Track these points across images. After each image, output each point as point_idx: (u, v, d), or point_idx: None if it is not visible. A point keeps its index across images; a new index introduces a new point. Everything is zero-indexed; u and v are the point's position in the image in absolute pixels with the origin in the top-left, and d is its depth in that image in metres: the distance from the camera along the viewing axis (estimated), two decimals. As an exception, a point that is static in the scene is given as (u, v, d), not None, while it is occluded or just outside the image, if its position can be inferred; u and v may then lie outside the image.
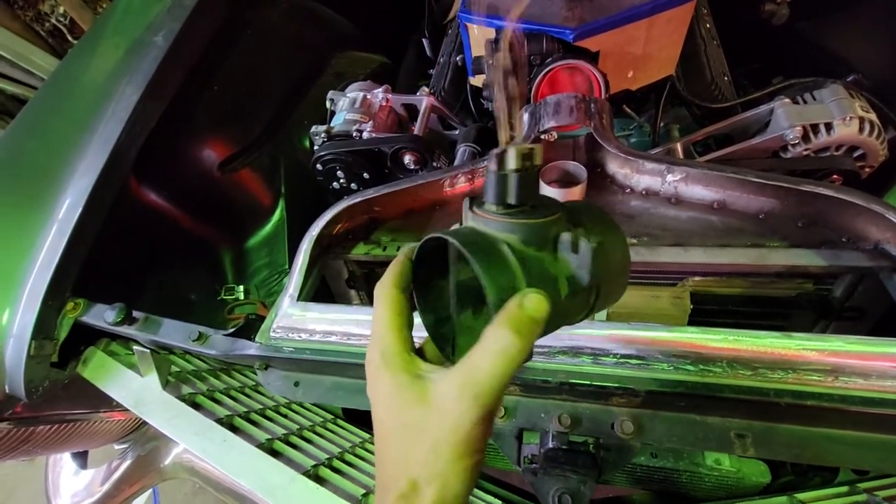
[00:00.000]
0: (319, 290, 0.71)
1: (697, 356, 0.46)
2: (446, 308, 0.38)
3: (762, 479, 0.75)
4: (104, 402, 0.76)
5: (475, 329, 0.35)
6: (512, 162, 0.32)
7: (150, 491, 1.38)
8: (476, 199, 0.35)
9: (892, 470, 0.46)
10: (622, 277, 0.35)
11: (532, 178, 0.33)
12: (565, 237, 0.32)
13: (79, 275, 0.74)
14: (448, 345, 0.37)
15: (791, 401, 0.43)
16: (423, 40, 1.31)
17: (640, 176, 0.65)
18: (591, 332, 0.49)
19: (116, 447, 0.97)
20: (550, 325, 0.32)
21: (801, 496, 0.63)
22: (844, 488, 0.62)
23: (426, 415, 0.30)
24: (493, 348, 0.28)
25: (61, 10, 3.04)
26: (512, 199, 0.32)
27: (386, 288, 0.35)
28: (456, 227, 0.35)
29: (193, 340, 0.63)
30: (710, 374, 0.45)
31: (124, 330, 0.68)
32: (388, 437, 0.32)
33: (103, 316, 0.68)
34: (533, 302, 0.29)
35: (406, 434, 0.30)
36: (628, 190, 0.67)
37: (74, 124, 0.85)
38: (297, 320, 0.58)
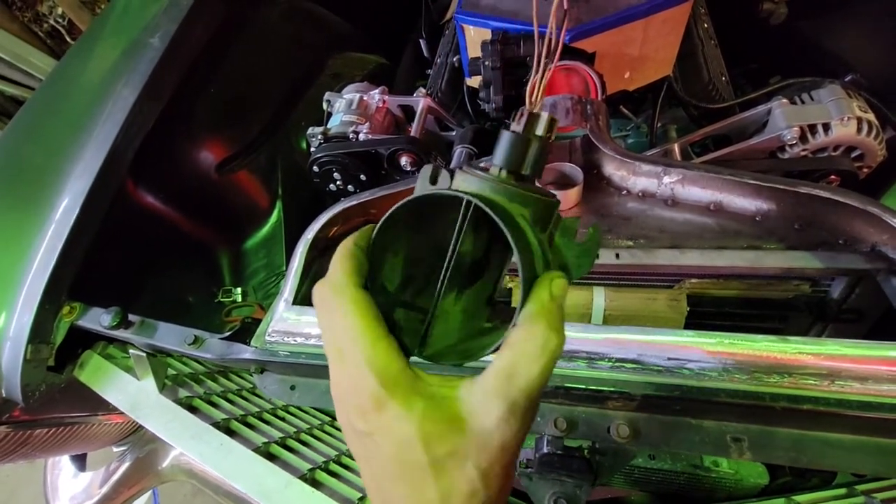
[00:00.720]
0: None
1: (693, 360, 0.45)
2: (395, 288, 0.33)
3: (760, 480, 0.75)
4: (102, 405, 0.75)
5: (451, 315, 0.33)
6: (542, 126, 0.29)
7: (150, 493, 1.38)
8: (472, 164, 0.32)
9: (889, 474, 0.46)
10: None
11: (546, 151, 0.30)
12: (572, 222, 0.30)
13: (75, 278, 0.74)
14: (403, 334, 0.30)
15: (787, 405, 0.43)
16: (420, 41, 1.31)
17: (636, 178, 0.65)
18: (586, 336, 0.49)
19: (115, 449, 0.97)
20: None
21: (799, 498, 0.63)
22: (842, 490, 0.62)
23: (464, 441, 0.25)
24: (536, 348, 0.24)
25: (59, 11, 3.04)
26: (528, 169, 0.29)
27: (344, 288, 0.28)
28: (433, 187, 0.30)
29: (189, 344, 0.63)
30: (706, 377, 0.45)
31: (120, 334, 0.68)
32: (412, 478, 0.25)
33: (99, 320, 0.68)
34: (561, 284, 0.27)
35: (440, 471, 0.25)
36: (625, 192, 0.66)
37: (71, 126, 0.85)
38: (293, 324, 0.58)
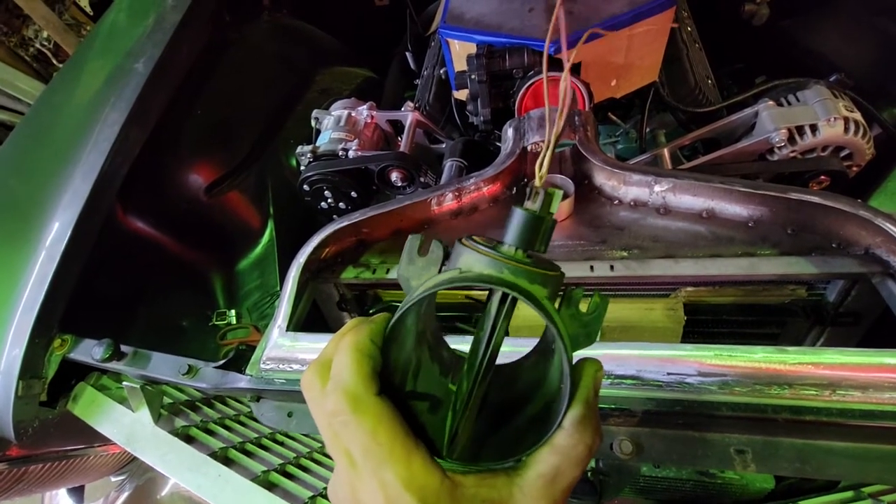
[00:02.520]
0: (311, 315, 0.70)
1: (691, 374, 0.45)
2: (406, 379, 0.31)
3: (766, 485, 0.74)
4: (97, 436, 0.74)
5: (470, 412, 0.30)
6: (557, 204, 0.29)
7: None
8: (474, 238, 0.30)
9: (894, 482, 0.45)
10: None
11: (552, 230, 0.30)
12: (579, 293, 0.30)
13: (66, 309, 0.73)
14: (426, 430, 0.28)
15: (789, 416, 0.43)
16: (407, 53, 1.31)
17: (627, 187, 0.65)
18: (584, 354, 0.49)
19: (112, 479, 0.96)
20: None
21: (805, 503, 0.63)
22: (849, 494, 0.61)
23: None
24: (582, 454, 0.25)
25: (45, 34, 3.03)
26: (541, 246, 0.29)
27: (363, 399, 0.25)
28: (442, 274, 0.29)
29: (183, 374, 0.62)
30: (706, 391, 0.45)
31: (113, 366, 0.67)
32: None
33: (91, 353, 0.67)
34: (601, 379, 0.26)
35: None
36: (616, 201, 0.66)
37: (57, 156, 0.84)
38: (288, 351, 0.57)
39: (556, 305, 0.29)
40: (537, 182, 0.31)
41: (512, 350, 0.48)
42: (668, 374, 0.45)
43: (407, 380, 0.30)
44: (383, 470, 0.24)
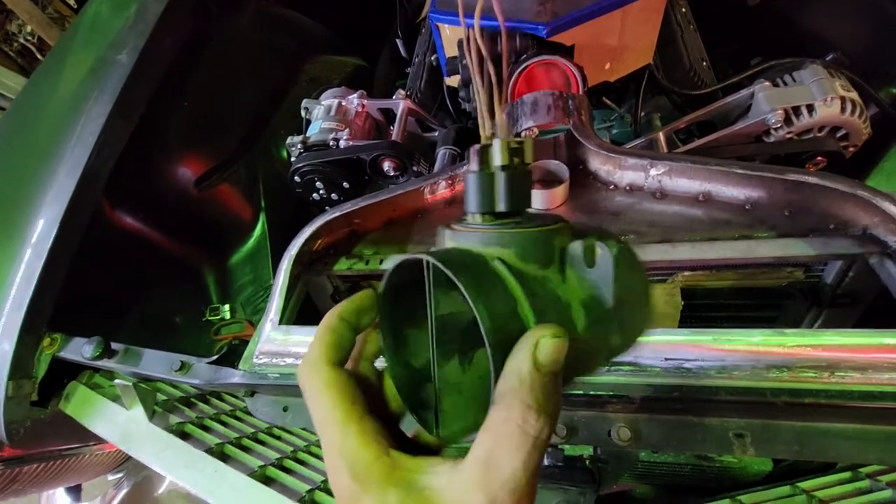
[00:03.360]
0: (305, 308, 0.69)
1: (690, 359, 0.44)
2: (422, 362, 0.29)
3: (764, 467, 0.74)
4: (93, 435, 0.73)
5: (463, 386, 0.28)
6: (498, 157, 0.26)
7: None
8: (453, 222, 0.29)
9: (895, 462, 0.45)
10: (645, 305, 0.27)
11: (523, 177, 0.27)
12: (576, 246, 0.25)
13: (55, 308, 0.71)
14: (429, 412, 0.28)
15: (788, 399, 0.42)
16: (397, 40, 1.28)
17: (623, 171, 0.64)
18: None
19: (110, 478, 0.95)
20: (566, 375, 0.24)
21: (804, 484, 0.63)
22: (847, 474, 0.61)
23: None
24: (513, 434, 0.21)
25: (28, 29, 2.97)
26: (501, 205, 0.26)
27: (316, 367, 0.27)
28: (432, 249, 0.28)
29: (176, 371, 0.61)
30: (705, 376, 0.44)
31: (104, 364, 0.66)
32: None
33: (81, 351, 0.66)
34: (550, 348, 0.22)
35: None
36: (612, 186, 0.65)
37: (40, 152, 0.82)
38: (281, 345, 0.57)
39: (555, 264, 0.25)
40: (483, 138, 0.28)
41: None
42: (666, 359, 0.45)
43: (421, 362, 0.30)
44: (323, 435, 0.25)
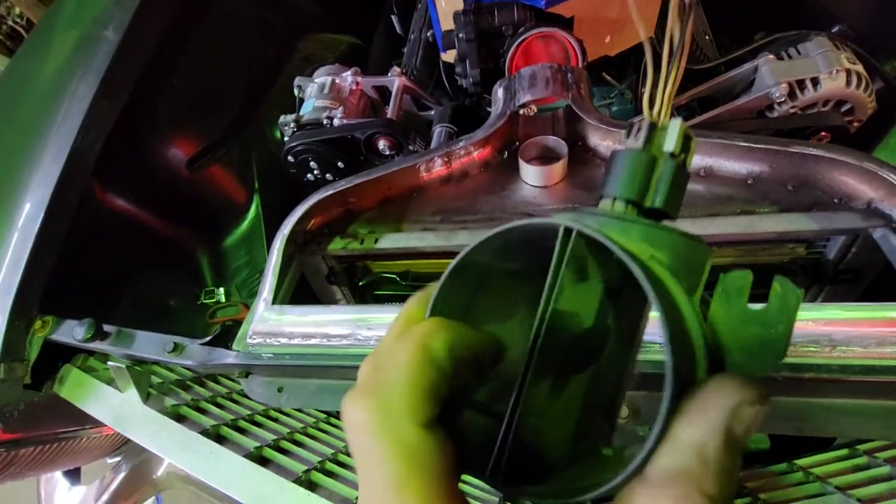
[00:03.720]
0: (301, 289, 0.68)
1: (690, 335, 0.44)
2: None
3: (762, 445, 0.74)
4: (88, 418, 0.73)
5: (546, 418, 0.22)
6: (672, 140, 0.21)
7: (154, 499, 1.38)
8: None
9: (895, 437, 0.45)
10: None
11: (685, 176, 0.21)
12: (738, 278, 0.19)
13: (46, 290, 0.70)
14: (474, 446, 0.20)
15: (789, 374, 0.41)
16: (392, 17, 1.25)
17: (623, 147, 0.62)
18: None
19: (108, 461, 0.95)
20: None
21: (802, 462, 0.63)
22: (845, 451, 0.61)
23: None
24: None
25: (17, 11, 2.91)
26: (658, 199, 0.20)
27: (399, 427, 0.17)
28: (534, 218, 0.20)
29: (169, 352, 0.61)
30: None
31: (96, 346, 0.65)
32: None
33: (72, 333, 0.65)
34: (753, 419, 0.15)
35: None
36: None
37: (25, 132, 0.80)
38: (274, 325, 0.56)
39: (699, 295, 0.19)
40: (647, 117, 0.22)
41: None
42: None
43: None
44: None
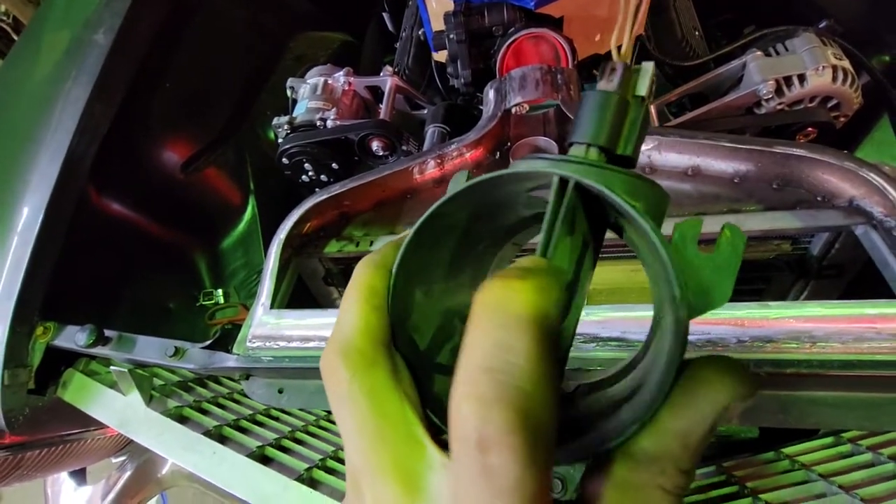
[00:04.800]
0: (298, 291, 0.69)
1: (676, 333, 0.45)
2: (428, 344, 0.23)
3: (750, 434, 0.77)
4: (92, 420, 0.74)
5: None
6: (645, 84, 0.21)
7: (158, 497, 1.40)
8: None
9: (873, 427, 0.47)
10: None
11: (647, 125, 0.21)
12: (691, 224, 0.19)
13: (46, 296, 0.71)
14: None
15: (771, 370, 0.43)
16: (384, 14, 1.25)
17: (612, 147, 0.63)
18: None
19: (113, 460, 0.97)
20: None
21: (788, 450, 0.65)
22: (829, 439, 0.63)
23: None
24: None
25: (3, 9, 2.87)
26: (627, 147, 0.20)
27: (363, 362, 0.19)
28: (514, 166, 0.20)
29: (170, 356, 0.62)
30: (691, 348, 0.45)
31: (98, 351, 0.66)
32: None
33: (74, 339, 0.66)
34: (742, 405, 0.16)
35: None
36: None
37: (20, 138, 0.80)
38: (273, 328, 0.57)
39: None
40: (615, 56, 0.22)
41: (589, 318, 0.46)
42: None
43: (427, 343, 0.23)
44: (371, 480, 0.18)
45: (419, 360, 0.22)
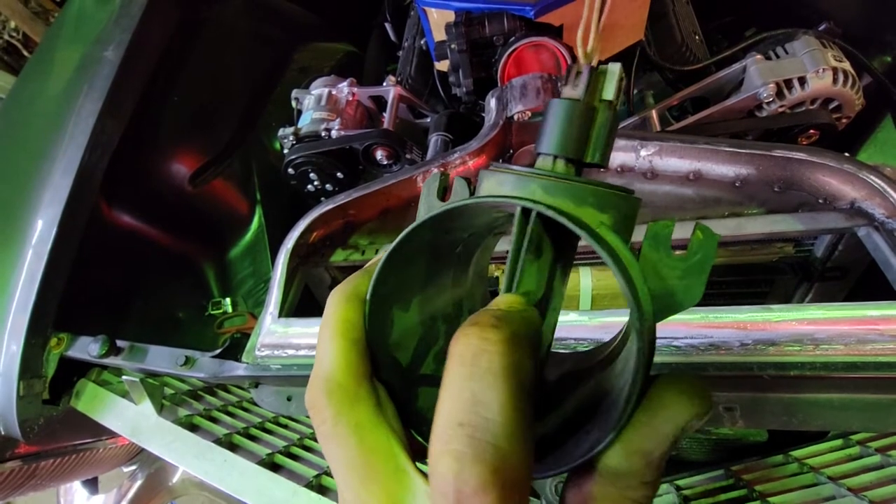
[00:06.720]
0: (305, 300, 0.70)
1: (679, 337, 0.45)
2: (410, 360, 0.23)
3: (759, 437, 0.76)
4: (105, 429, 0.76)
5: None
6: (612, 88, 0.20)
7: None
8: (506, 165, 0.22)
9: (879, 429, 0.47)
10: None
11: (617, 125, 0.21)
12: (662, 227, 0.20)
13: (60, 308, 0.73)
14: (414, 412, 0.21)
15: (775, 372, 0.43)
16: (386, 24, 1.26)
17: (613, 153, 0.64)
18: (573, 322, 0.49)
19: (124, 469, 0.98)
20: None
21: (797, 453, 0.65)
22: (838, 442, 0.63)
23: None
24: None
25: (12, 25, 2.93)
26: (595, 155, 0.20)
27: (344, 399, 0.20)
28: (449, 203, 0.20)
29: (181, 365, 0.63)
30: (694, 353, 0.45)
31: (111, 361, 0.68)
32: None
33: (87, 349, 0.67)
34: (702, 420, 0.18)
35: None
36: (602, 169, 0.65)
37: (34, 152, 0.82)
38: (281, 337, 0.58)
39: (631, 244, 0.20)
40: (581, 58, 0.22)
41: (592, 323, 0.47)
42: (657, 337, 0.46)
43: (409, 359, 0.23)
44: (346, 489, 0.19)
45: (402, 378, 0.22)
